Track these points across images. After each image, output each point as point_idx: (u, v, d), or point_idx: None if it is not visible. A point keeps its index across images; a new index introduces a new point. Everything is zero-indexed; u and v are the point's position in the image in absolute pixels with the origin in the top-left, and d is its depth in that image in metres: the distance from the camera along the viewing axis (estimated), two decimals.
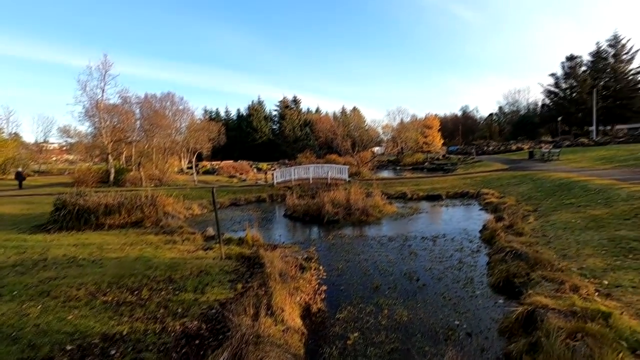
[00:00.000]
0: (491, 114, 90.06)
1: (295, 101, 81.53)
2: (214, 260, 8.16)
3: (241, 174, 38.06)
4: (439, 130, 61.92)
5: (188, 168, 40.01)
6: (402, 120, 58.42)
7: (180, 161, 41.68)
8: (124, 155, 34.46)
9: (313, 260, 8.11)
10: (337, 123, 42.19)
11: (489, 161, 35.18)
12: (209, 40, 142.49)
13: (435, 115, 70.48)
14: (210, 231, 11.58)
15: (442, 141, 62.23)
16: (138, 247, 9.64)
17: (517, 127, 73.38)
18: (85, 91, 28.11)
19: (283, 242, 10.65)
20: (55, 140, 61.30)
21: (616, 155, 24.81)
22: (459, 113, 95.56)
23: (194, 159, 35.59)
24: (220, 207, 19.12)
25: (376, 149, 61.20)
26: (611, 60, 57.16)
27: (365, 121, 60.69)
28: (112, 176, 27.69)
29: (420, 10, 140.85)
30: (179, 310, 5.37)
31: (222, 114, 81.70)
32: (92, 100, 28.51)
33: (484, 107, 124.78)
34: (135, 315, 5.18)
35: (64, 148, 58.80)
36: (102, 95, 28.80)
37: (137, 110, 34.70)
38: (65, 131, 43.97)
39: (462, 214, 14.68)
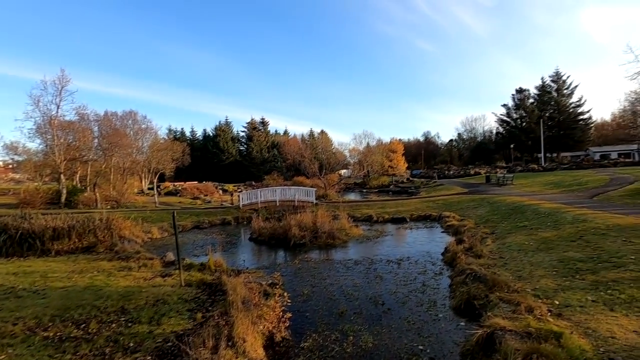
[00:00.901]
0: (451, 140, 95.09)
1: (264, 123, 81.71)
2: (172, 288, 7.71)
3: (206, 195, 36.98)
4: (403, 154, 64.18)
5: (149, 189, 38.25)
6: (368, 144, 60.11)
7: (141, 182, 39.80)
8: (78, 175, 32.43)
9: (278, 286, 7.90)
10: (304, 145, 42.60)
11: (449, 185, 36.77)
12: (175, 59, 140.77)
13: (400, 139, 73.43)
14: (170, 256, 11.04)
15: (406, 165, 64.41)
16: (88, 274, 8.94)
17: (474, 152, 77.96)
18: (37, 106, 26.43)
19: (247, 267, 10.32)
20: None
21: (562, 180, 26.90)
22: (422, 138, 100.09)
23: (155, 180, 34.22)
24: (182, 231, 18.36)
25: (343, 171, 62.14)
26: (554, 94, 63.07)
27: (332, 144, 61.81)
28: (63, 197, 25.80)
29: (387, 41, 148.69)
30: (131, 344, 4.98)
31: (188, 133, 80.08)
32: (45, 116, 26.79)
33: (445, 133, 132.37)
34: (80, 352, 4.73)
35: (10, 166, 54.28)
36: (57, 112, 27.23)
37: (96, 128, 33.05)
38: (12, 148, 40.75)
39: (426, 236, 15.08)
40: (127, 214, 16.46)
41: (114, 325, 5.66)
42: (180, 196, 36.94)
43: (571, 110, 61.83)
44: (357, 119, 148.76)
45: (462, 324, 6.08)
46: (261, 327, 5.77)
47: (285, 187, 26.58)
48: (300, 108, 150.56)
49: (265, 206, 23.39)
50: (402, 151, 64.71)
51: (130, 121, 38.37)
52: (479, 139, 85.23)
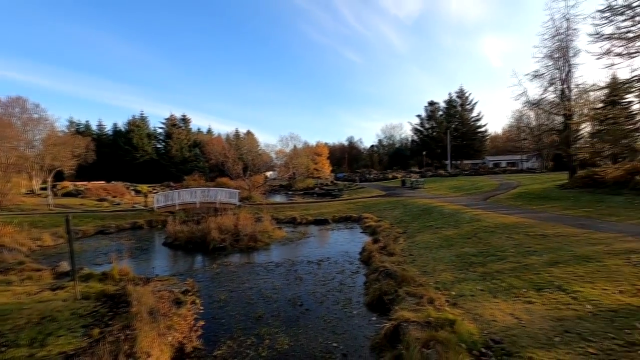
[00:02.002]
0: (373, 146, 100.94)
1: (185, 120, 76.82)
2: (64, 303, 6.73)
3: (114, 196, 33.26)
4: (328, 157, 66.23)
5: (42, 189, 33.00)
6: (295, 146, 60.63)
7: (32, 181, 34.11)
8: None
9: (191, 293, 7.45)
10: (229, 145, 41.15)
11: (370, 188, 38.92)
12: (79, 41, 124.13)
13: (326, 143, 75.65)
14: (65, 266, 9.67)
15: (330, 168, 66.54)
16: None
17: (393, 158, 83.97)
18: None
19: (157, 275, 9.53)
20: None
21: (463, 185, 30.47)
22: (346, 143, 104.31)
23: (50, 179, 29.68)
24: (82, 237, 16.26)
25: (269, 173, 61.66)
26: (459, 108, 71.28)
27: (259, 145, 60.85)
28: None
29: (317, 48, 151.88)
30: None
31: (94, 127, 71.17)
32: None
33: (367, 138, 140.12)
34: None
35: None
36: None
37: None
38: None
39: (346, 237, 15.70)
40: (9, 219, 13.96)
41: None
42: (82, 197, 32.59)
43: (472, 123, 70.62)
44: (284, 121, 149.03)
45: (374, 318, 6.45)
46: (170, 338, 5.36)
47: (206, 188, 25.27)
48: (227, 107, 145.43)
49: (183, 209, 21.96)
50: (327, 155, 66.76)
51: (17, 109, 32.75)
52: (397, 146, 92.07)
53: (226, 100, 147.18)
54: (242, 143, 48.40)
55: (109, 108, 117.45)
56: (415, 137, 77.48)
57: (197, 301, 6.96)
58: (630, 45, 16.03)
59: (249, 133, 77.84)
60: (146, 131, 71.22)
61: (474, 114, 71.13)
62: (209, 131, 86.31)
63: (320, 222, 19.68)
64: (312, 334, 5.89)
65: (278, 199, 37.94)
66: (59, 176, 37.07)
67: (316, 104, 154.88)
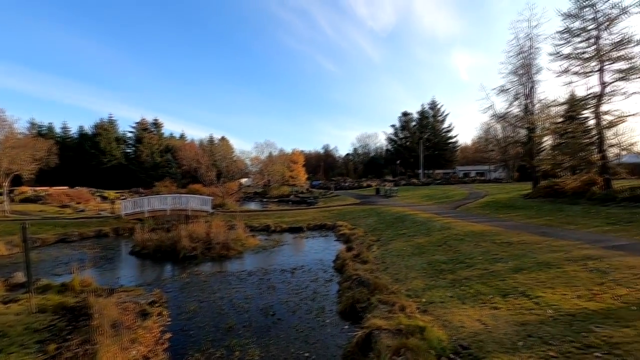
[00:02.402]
0: (348, 154, 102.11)
1: (157, 124, 74.67)
2: (17, 317, 6.29)
3: (78, 203, 31.67)
4: (304, 165, 66.23)
5: None
6: (270, 153, 60.32)
7: None
8: None
9: (159, 304, 7.17)
10: (202, 151, 40.32)
11: (345, 196, 39.20)
12: (43, 38, 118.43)
13: (302, 151, 75.66)
14: (20, 277, 9.07)
15: (306, 176, 66.53)
16: None
17: (367, 166, 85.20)
18: None
19: (122, 285, 9.11)
20: None
21: (435, 194, 31.32)
22: (322, 151, 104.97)
23: (6, 184, 27.82)
24: (40, 245, 15.33)
25: (244, 180, 60.86)
26: (431, 119, 73.65)
27: (234, 152, 60.12)
28: None
29: (294, 56, 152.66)
30: None
31: (58, 129, 67.73)
32: None
33: (343, 147, 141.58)
34: None
35: None
36: None
37: None
38: None
39: (320, 245, 15.68)
40: None
41: None
42: (43, 204, 30.79)
43: (443, 134, 73.15)
44: (260, 128, 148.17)
45: (346, 327, 6.44)
46: (134, 352, 5.11)
47: (178, 195, 24.54)
48: (201, 112, 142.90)
49: (153, 216, 21.20)
50: (303, 162, 66.77)
51: None
52: (371, 154, 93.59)
53: (201, 106, 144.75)
54: (216, 149, 47.61)
55: (75, 110, 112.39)
56: (390, 147, 79.17)
57: (165, 312, 6.68)
58: (585, 65, 17.22)
59: (223, 139, 76.68)
60: (115, 135, 68.65)
61: (445, 125, 73.82)
62: (182, 136, 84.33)
63: (295, 230, 19.56)
64: (283, 344, 5.80)
65: (253, 206, 37.43)
66: (17, 181, 34.84)
67: (293, 112, 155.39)
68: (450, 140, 73.81)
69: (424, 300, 6.77)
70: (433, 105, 74.46)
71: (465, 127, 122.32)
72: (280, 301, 7.93)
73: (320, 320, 6.82)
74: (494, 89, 24.29)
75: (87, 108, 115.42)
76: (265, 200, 45.43)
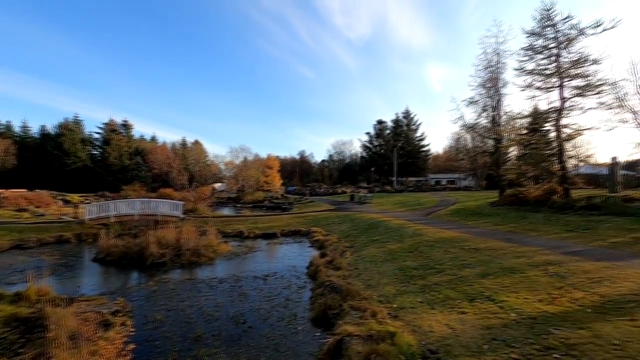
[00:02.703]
0: (324, 160, 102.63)
1: (126, 125, 72.01)
2: None
3: (38, 206, 29.84)
4: (279, 171, 65.89)
5: None
6: (245, 158, 59.62)
7: None
8: None
9: (122, 313, 6.84)
10: (174, 154, 39.20)
11: (320, 202, 39.28)
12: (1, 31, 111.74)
13: (277, 156, 75.34)
14: None
15: (281, 181, 66.19)
16: None
17: (343, 173, 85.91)
18: None
19: (83, 294, 8.62)
20: None
21: (408, 200, 32.01)
22: (298, 156, 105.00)
23: None
24: None
25: (217, 185, 59.66)
26: (405, 128, 75.54)
27: (207, 156, 58.97)
28: None
29: (270, 61, 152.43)
30: None
31: (17, 128, 63.88)
32: None
33: (319, 153, 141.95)
34: None
35: None
36: None
37: None
38: None
39: (294, 251, 15.57)
40: None
41: None
42: None
43: (416, 142, 75.20)
44: (235, 132, 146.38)
45: (318, 334, 6.40)
46: None
47: (147, 199, 23.69)
48: (174, 114, 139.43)
49: (119, 221, 20.31)
50: (278, 168, 66.46)
51: None
52: (347, 161, 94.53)
53: (174, 108, 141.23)
54: (189, 153, 46.52)
55: (37, 108, 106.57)
56: (365, 154, 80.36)
57: (129, 322, 6.38)
58: (547, 80, 18.28)
59: (197, 143, 75.15)
60: (80, 136, 65.54)
61: (419, 133, 75.95)
62: (153, 139, 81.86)
63: (269, 236, 19.34)
64: (254, 352, 5.68)
65: (226, 211, 36.72)
66: None
67: (270, 117, 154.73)
68: (423, 149, 75.97)
69: (395, 305, 6.86)
70: (407, 115, 76.52)
71: (437, 137, 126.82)
72: (251, 309, 7.78)
73: (292, 327, 6.75)
74: (464, 100, 25.37)
75: (51, 107, 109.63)
76: (239, 205, 44.71)
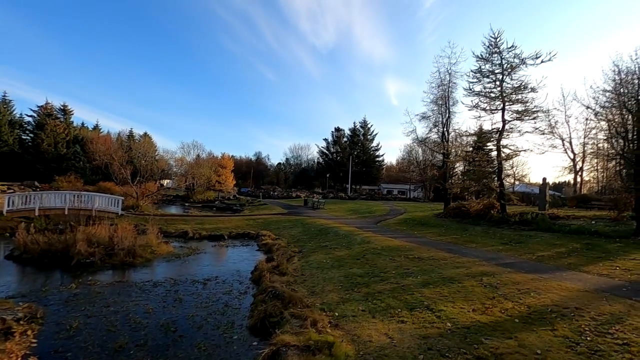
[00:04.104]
0: (280, 163, 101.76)
1: (65, 110, 65.68)
2: None
3: None
4: (233, 171, 64.06)
5: None
6: (198, 155, 57.20)
7: None
8: None
9: (30, 320, 5.98)
10: (119, 146, 36.44)
11: (273, 205, 38.66)
12: None
13: (232, 156, 73.27)
14: None
15: (234, 182, 64.36)
16: None
17: (298, 177, 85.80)
18: None
19: None
20: None
21: (360, 208, 32.56)
22: (253, 158, 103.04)
23: None
24: None
25: (166, 182, 56.57)
26: (362, 137, 77.34)
27: (157, 150, 55.65)
28: None
29: (231, 59, 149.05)
30: None
31: None
32: None
33: (275, 155, 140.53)
34: None
35: None
36: None
37: None
38: None
39: (240, 254, 15.00)
40: None
41: None
42: None
43: (372, 152, 77.31)
44: (190, 128, 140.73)
45: (255, 343, 6.07)
46: None
47: (82, 192, 21.62)
48: (124, 104, 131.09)
49: (46, 214, 18.29)
50: (232, 167, 64.68)
51: None
52: (303, 166, 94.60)
53: (124, 97, 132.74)
54: (136, 145, 43.45)
55: None
56: (321, 160, 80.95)
57: (30, 332, 5.56)
58: (491, 103, 19.61)
59: (146, 135, 70.81)
60: (8, 117, 58.60)
61: (374, 144, 78.19)
62: (97, 127, 75.67)
63: (215, 237, 18.50)
64: None
65: (173, 210, 34.82)
66: None
67: (227, 115, 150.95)
68: (378, 159, 78.28)
69: (337, 314, 6.73)
70: (364, 124, 78.48)
71: (391, 148, 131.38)
72: (185, 316, 7.22)
73: (228, 336, 6.34)
74: (417, 115, 26.53)
75: None
76: (187, 204, 42.62)
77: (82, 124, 72.90)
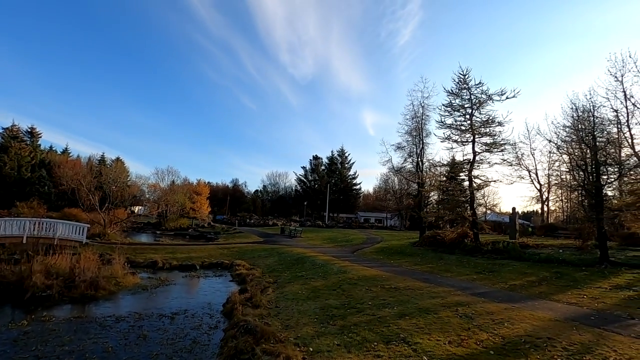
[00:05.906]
0: (257, 190, 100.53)
1: (33, 133, 62.98)
2: None
3: None
4: (208, 197, 62.62)
5: None
6: (173, 181, 55.77)
7: None
8: None
9: None
10: (86, 170, 35.06)
11: (249, 233, 37.83)
12: None
13: (208, 182, 71.97)
14: None
15: (209, 209, 62.78)
16: None
17: (275, 205, 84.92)
18: None
19: None
20: None
21: (337, 237, 32.38)
22: (230, 185, 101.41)
23: None
24: None
25: (137, 208, 54.43)
26: (339, 166, 78.33)
27: (129, 175, 54.03)
28: None
29: (211, 86, 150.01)
30: None
31: None
32: None
33: (252, 183, 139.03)
34: None
35: None
36: None
37: None
38: None
39: (212, 285, 14.36)
40: None
41: None
42: None
43: (349, 180, 78.16)
44: (165, 153, 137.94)
45: None
46: None
47: (43, 219, 20.37)
48: (98, 128, 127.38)
49: (2, 243, 17.01)
50: (208, 194, 63.27)
51: None
52: (280, 193, 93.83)
53: (98, 122, 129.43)
54: (107, 170, 41.90)
55: None
56: (299, 187, 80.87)
57: None
58: (462, 135, 20.51)
59: (118, 160, 68.57)
60: None
61: (352, 172, 79.26)
62: (66, 151, 72.83)
63: (187, 267, 17.70)
64: None
65: (143, 238, 33.33)
66: None
67: (204, 142, 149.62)
68: (355, 187, 79.06)
69: (311, 349, 6.46)
70: (342, 153, 79.76)
71: (368, 177, 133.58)
72: (148, 355, 6.71)
73: None
74: (393, 145, 27.28)
75: None
76: (159, 232, 40.97)
77: (51, 147, 70.05)
